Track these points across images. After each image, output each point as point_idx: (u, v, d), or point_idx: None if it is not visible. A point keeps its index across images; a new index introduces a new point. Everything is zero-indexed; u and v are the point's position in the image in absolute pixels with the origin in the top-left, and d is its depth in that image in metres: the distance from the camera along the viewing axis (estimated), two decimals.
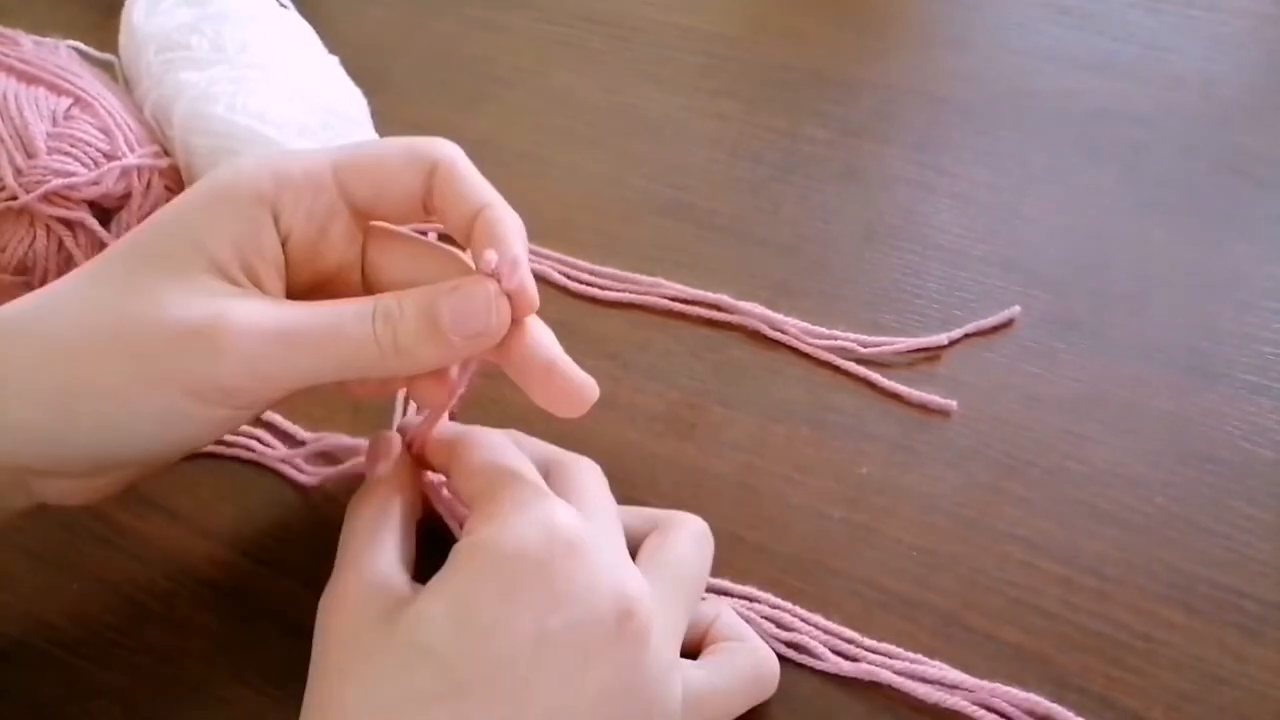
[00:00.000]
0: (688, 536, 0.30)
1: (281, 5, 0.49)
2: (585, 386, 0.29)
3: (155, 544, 0.35)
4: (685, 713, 0.27)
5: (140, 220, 0.40)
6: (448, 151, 0.29)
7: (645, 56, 0.55)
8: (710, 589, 0.33)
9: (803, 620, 0.32)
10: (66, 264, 0.40)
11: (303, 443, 0.37)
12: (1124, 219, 0.44)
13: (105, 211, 0.41)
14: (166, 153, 0.44)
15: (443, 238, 0.36)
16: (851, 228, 0.45)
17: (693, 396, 0.39)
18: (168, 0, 0.47)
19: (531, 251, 0.38)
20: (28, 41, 0.44)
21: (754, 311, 0.41)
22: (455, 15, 0.58)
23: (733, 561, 0.34)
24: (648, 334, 0.41)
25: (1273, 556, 0.33)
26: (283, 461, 0.37)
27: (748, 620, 0.32)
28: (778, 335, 0.40)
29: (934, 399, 0.38)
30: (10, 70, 0.41)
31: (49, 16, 0.52)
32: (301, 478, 0.36)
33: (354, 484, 0.32)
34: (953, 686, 0.30)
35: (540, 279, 0.42)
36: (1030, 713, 0.30)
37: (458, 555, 0.26)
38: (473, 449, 0.29)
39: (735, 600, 0.33)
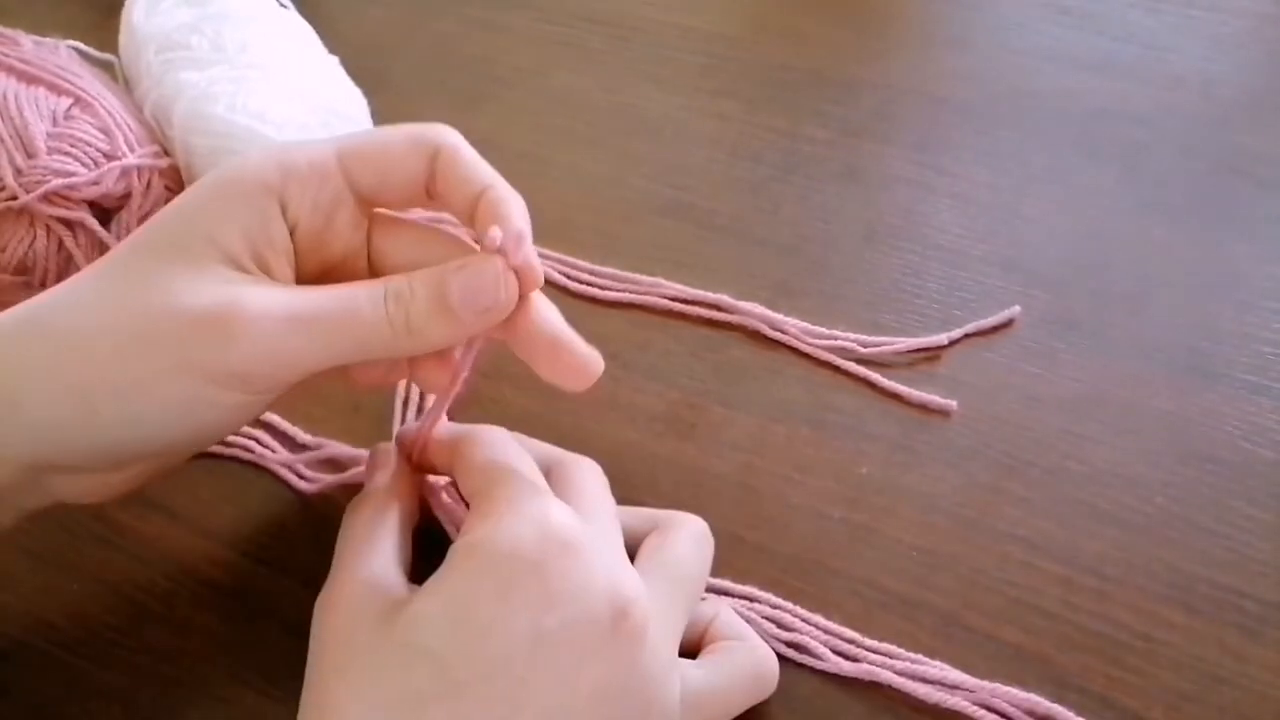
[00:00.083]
0: (687, 536, 0.30)
1: (281, 5, 0.49)
2: (590, 360, 0.30)
3: (155, 544, 0.35)
4: (684, 712, 0.27)
5: (140, 220, 0.41)
6: (450, 137, 0.30)
7: (645, 56, 0.55)
8: (710, 589, 0.33)
9: (803, 620, 0.32)
10: (66, 264, 0.40)
11: (304, 446, 0.37)
12: (1124, 219, 0.44)
13: (105, 211, 0.41)
14: (166, 153, 0.44)
15: None
16: (851, 228, 0.45)
17: (693, 396, 0.39)
18: (168, 0, 0.47)
19: None
20: (28, 41, 0.44)
21: (754, 311, 0.41)
22: (455, 15, 0.58)
23: (733, 561, 0.34)
24: (648, 334, 0.41)
25: (1273, 556, 0.33)
26: (283, 466, 0.37)
27: (748, 620, 0.32)
28: (778, 335, 0.40)
29: (934, 399, 0.38)
30: (10, 70, 0.41)
31: (49, 16, 0.52)
32: (301, 484, 0.36)
33: (353, 489, 0.32)
34: (953, 687, 0.30)
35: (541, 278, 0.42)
36: (1030, 713, 0.30)
37: (454, 555, 0.26)
38: (474, 447, 0.29)
39: (735, 600, 0.33)
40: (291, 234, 0.29)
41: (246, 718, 0.31)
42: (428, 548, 0.30)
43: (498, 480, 0.28)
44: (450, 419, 0.32)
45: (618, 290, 0.42)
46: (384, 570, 0.28)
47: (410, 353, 0.29)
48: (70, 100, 0.42)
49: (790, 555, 0.34)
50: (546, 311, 0.30)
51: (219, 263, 0.27)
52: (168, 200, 0.37)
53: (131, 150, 0.42)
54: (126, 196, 0.41)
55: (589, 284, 0.43)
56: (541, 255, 0.43)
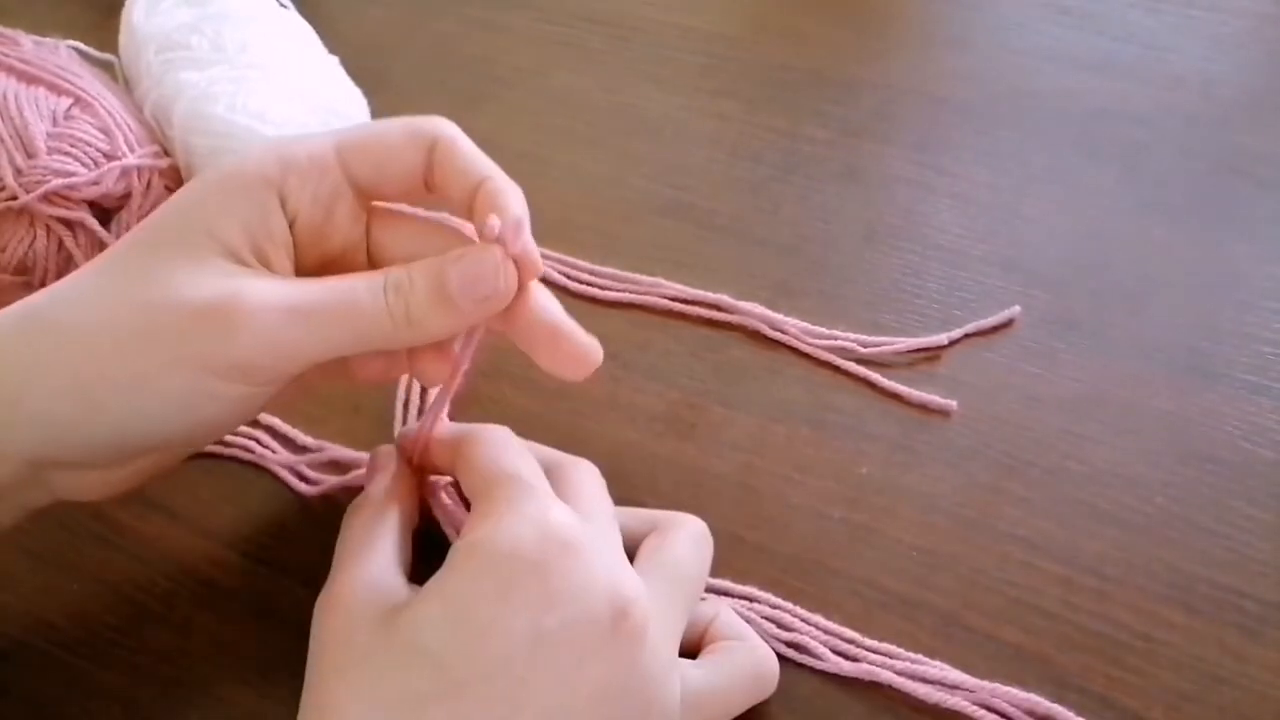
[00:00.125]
0: (686, 537, 0.30)
1: (281, 5, 0.49)
2: (590, 349, 0.30)
3: (155, 544, 0.35)
4: (684, 712, 0.27)
5: (140, 220, 0.40)
6: (447, 129, 0.30)
7: (645, 56, 0.55)
8: (710, 589, 0.33)
9: (803, 620, 0.32)
10: (66, 264, 0.40)
11: (303, 448, 0.37)
12: (1124, 219, 0.44)
13: (105, 211, 0.41)
14: (166, 153, 0.44)
15: None
16: (851, 228, 0.45)
17: (693, 396, 0.39)
18: (168, 0, 0.47)
19: None
20: (28, 41, 0.44)
21: (754, 311, 0.41)
22: (455, 15, 0.58)
23: (733, 561, 0.33)
24: (648, 334, 0.41)
25: (1273, 556, 0.33)
26: (284, 468, 0.37)
27: (748, 620, 0.31)
28: (778, 335, 0.40)
29: (934, 399, 0.38)
30: (10, 70, 0.41)
31: (49, 16, 0.52)
32: (302, 486, 0.36)
33: (354, 491, 0.32)
34: (953, 687, 0.30)
35: (541, 279, 0.42)
36: (1030, 713, 0.30)
37: (454, 556, 0.26)
38: (475, 446, 0.29)
39: (735, 600, 0.33)
40: (291, 227, 0.29)
41: (246, 718, 0.31)
42: (428, 549, 0.30)
43: (498, 480, 0.28)
44: (450, 419, 0.32)
45: (618, 290, 0.42)
46: (383, 571, 0.28)
47: (410, 343, 0.29)
48: (70, 100, 0.42)
49: (790, 555, 0.34)
50: (546, 301, 0.30)
51: (219, 256, 0.27)
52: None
53: (131, 150, 0.42)
54: (126, 196, 0.42)
55: (589, 284, 0.43)
56: (542, 255, 0.43)
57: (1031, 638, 0.32)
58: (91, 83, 0.43)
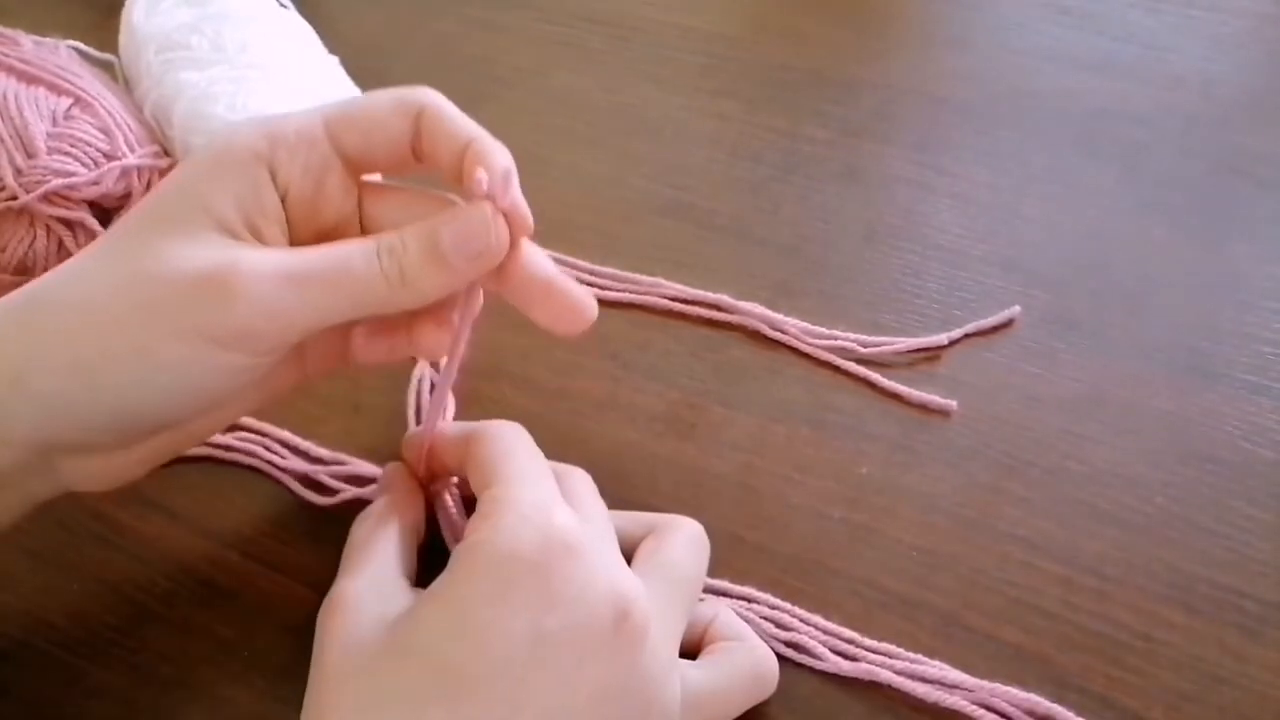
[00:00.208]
0: (684, 539, 0.30)
1: (281, 5, 0.49)
2: (585, 300, 0.30)
3: (155, 544, 0.35)
4: (684, 712, 0.27)
5: None
6: (433, 96, 0.30)
7: (645, 56, 0.55)
8: (709, 590, 0.33)
9: (802, 620, 0.32)
10: None
11: (317, 459, 0.37)
12: (1124, 219, 0.44)
13: (105, 211, 0.41)
14: (166, 153, 0.44)
15: None
16: (851, 228, 0.45)
17: (693, 396, 0.39)
18: (168, 0, 0.47)
19: None
20: (28, 41, 0.44)
21: (754, 311, 0.41)
22: (455, 15, 0.58)
23: (732, 562, 0.33)
24: (648, 334, 0.41)
25: (1273, 556, 0.33)
26: (296, 478, 0.36)
27: (747, 620, 0.31)
28: (778, 335, 0.40)
29: (934, 399, 0.38)
30: (10, 70, 0.41)
31: (49, 16, 0.52)
32: (312, 497, 0.36)
33: (366, 503, 0.32)
34: (952, 686, 0.30)
35: None
36: (1030, 713, 0.30)
37: (456, 559, 0.26)
38: (481, 444, 0.29)
39: (734, 601, 0.33)
40: (283, 201, 0.29)
41: (246, 718, 0.31)
42: (437, 557, 0.30)
43: (501, 480, 0.28)
44: (454, 417, 0.32)
45: (618, 290, 0.42)
46: (386, 576, 0.28)
47: (406, 305, 0.29)
48: (70, 100, 0.42)
49: (790, 555, 0.34)
50: (538, 257, 0.30)
51: (213, 231, 0.27)
52: None
53: (131, 150, 0.42)
54: (126, 196, 0.42)
55: (589, 284, 0.43)
56: None
57: (1031, 638, 0.32)
58: (91, 83, 0.43)
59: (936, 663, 0.31)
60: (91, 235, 0.40)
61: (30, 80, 0.41)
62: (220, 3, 0.46)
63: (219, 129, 0.42)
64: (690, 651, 0.30)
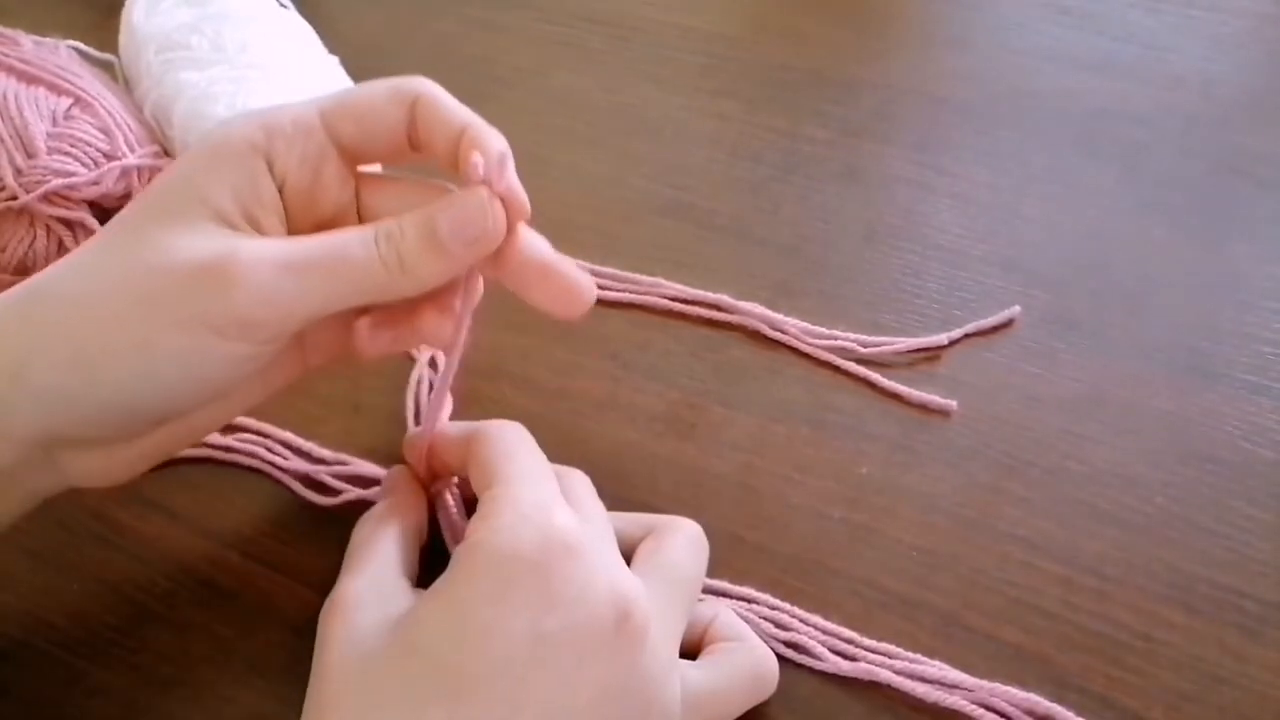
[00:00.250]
0: (683, 540, 0.30)
1: (281, 5, 0.49)
2: (584, 283, 0.30)
3: (155, 544, 0.35)
4: (684, 713, 0.27)
5: None
6: (427, 85, 0.30)
7: (645, 56, 0.55)
8: (708, 590, 0.33)
9: (801, 620, 0.32)
10: None
11: (310, 455, 0.37)
12: (1124, 219, 0.44)
13: (105, 211, 0.41)
14: (166, 153, 0.44)
15: None
16: (851, 228, 0.45)
17: (693, 396, 0.39)
18: (168, 0, 0.47)
19: None
20: (28, 41, 0.44)
21: (754, 311, 0.41)
22: (455, 15, 0.58)
23: (732, 562, 0.33)
24: (648, 334, 0.41)
25: (1273, 556, 0.33)
26: (298, 478, 0.36)
27: (747, 621, 0.31)
28: (778, 335, 0.40)
29: (934, 399, 0.38)
30: (10, 70, 0.41)
31: (49, 16, 0.52)
32: (314, 497, 0.36)
33: (369, 503, 0.32)
34: (952, 686, 0.30)
35: None
36: (1030, 712, 0.30)
37: (457, 559, 0.26)
38: (483, 444, 0.30)
39: (733, 601, 0.33)
40: (280, 192, 0.29)
41: (246, 718, 0.31)
42: (439, 559, 0.30)
43: (502, 479, 0.28)
44: (454, 417, 0.32)
45: (618, 290, 0.42)
46: (388, 577, 0.28)
47: (405, 292, 0.29)
48: (70, 100, 0.42)
49: (790, 555, 0.34)
50: (535, 240, 0.30)
51: (211, 222, 0.27)
52: None
53: (131, 150, 0.42)
54: (126, 196, 0.42)
55: None
56: None
57: (1031, 638, 0.32)
58: (91, 83, 0.43)
59: (936, 663, 0.31)
60: (91, 235, 0.40)
61: (30, 80, 0.41)
62: (220, 3, 0.46)
63: None
64: (690, 652, 0.30)
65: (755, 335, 0.41)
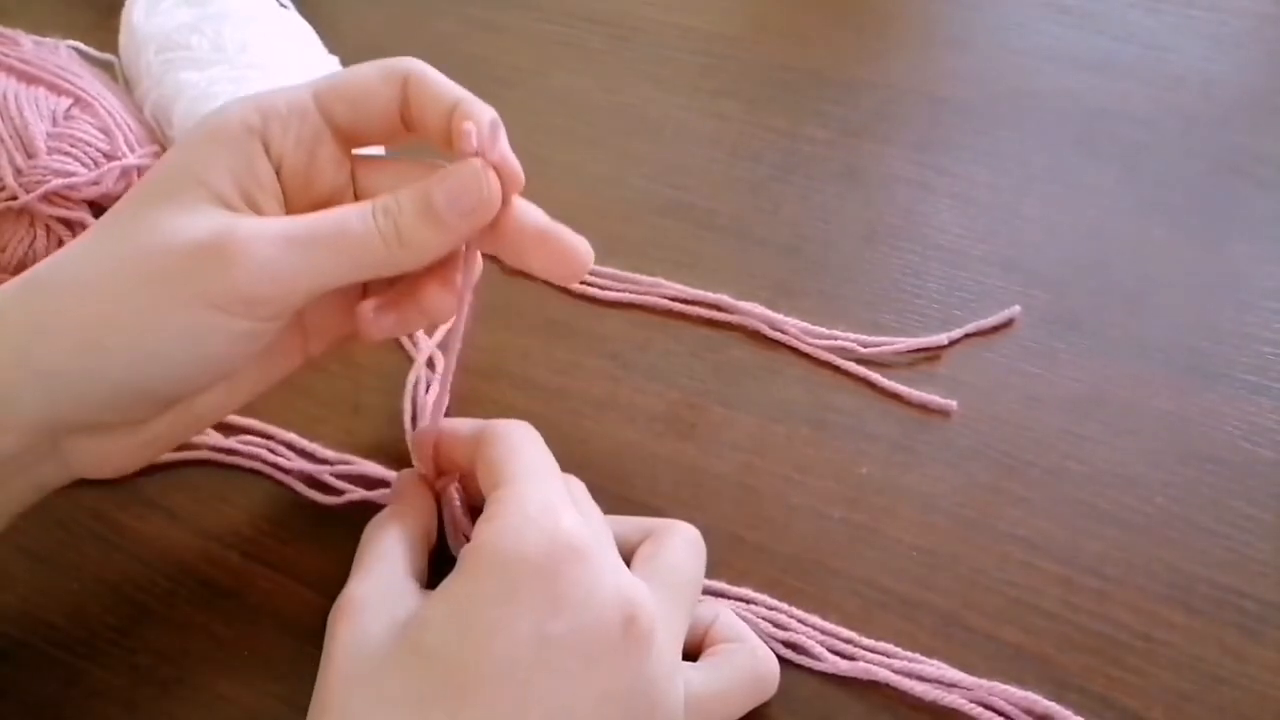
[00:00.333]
0: (681, 543, 0.30)
1: (281, 5, 0.49)
2: (581, 247, 0.31)
3: (155, 544, 0.35)
4: (687, 716, 0.27)
5: None
6: (418, 64, 0.31)
7: (645, 56, 0.55)
8: (706, 591, 0.33)
9: (799, 620, 0.32)
10: None
11: (312, 455, 0.37)
12: (1124, 219, 0.44)
13: (105, 211, 0.41)
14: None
15: None
16: (851, 228, 0.45)
17: (693, 396, 0.39)
18: (168, 0, 0.47)
19: None
20: (28, 41, 0.44)
21: (754, 311, 0.41)
22: (455, 15, 0.58)
23: (732, 562, 0.33)
24: (648, 334, 0.41)
25: (1273, 556, 0.33)
26: (301, 479, 0.36)
27: (745, 621, 0.31)
28: (778, 335, 0.40)
29: (934, 399, 0.38)
30: (10, 70, 0.41)
31: (49, 16, 0.52)
32: (317, 497, 0.36)
33: (373, 504, 0.32)
34: (951, 685, 0.30)
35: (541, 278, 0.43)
36: (1029, 711, 0.30)
37: (463, 560, 0.26)
38: (491, 445, 0.30)
39: (731, 601, 0.32)
40: (277, 174, 0.29)
41: (246, 718, 0.31)
42: (447, 561, 0.30)
43: (508, 480, 0.28)
44: (454, 395, 0.32)
45: (618, 290, 0.42)
46: (396, 578, 0.28)
47: (404, 266, 0.29)
48: (70, 100, 0.42)
49: (790, 555, 0.34)
50: (530, 208, 0.31)
51: (210, 203, 0.28)
52: None
53: (131, 150, 0.42)
54: None
55: (589, 284, 0.43)
56: None
57: (1031, 638, 0.32)
58: (91, 83, 0.43)
59: (935, 662, 0.31)
60: None
61: (30, 80, 0.41)
62: (220, 3, 0.46)
63: None
64: (690, 653, 0.30)
65: (755, 335, 0.41)
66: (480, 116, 0.29)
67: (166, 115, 0.44)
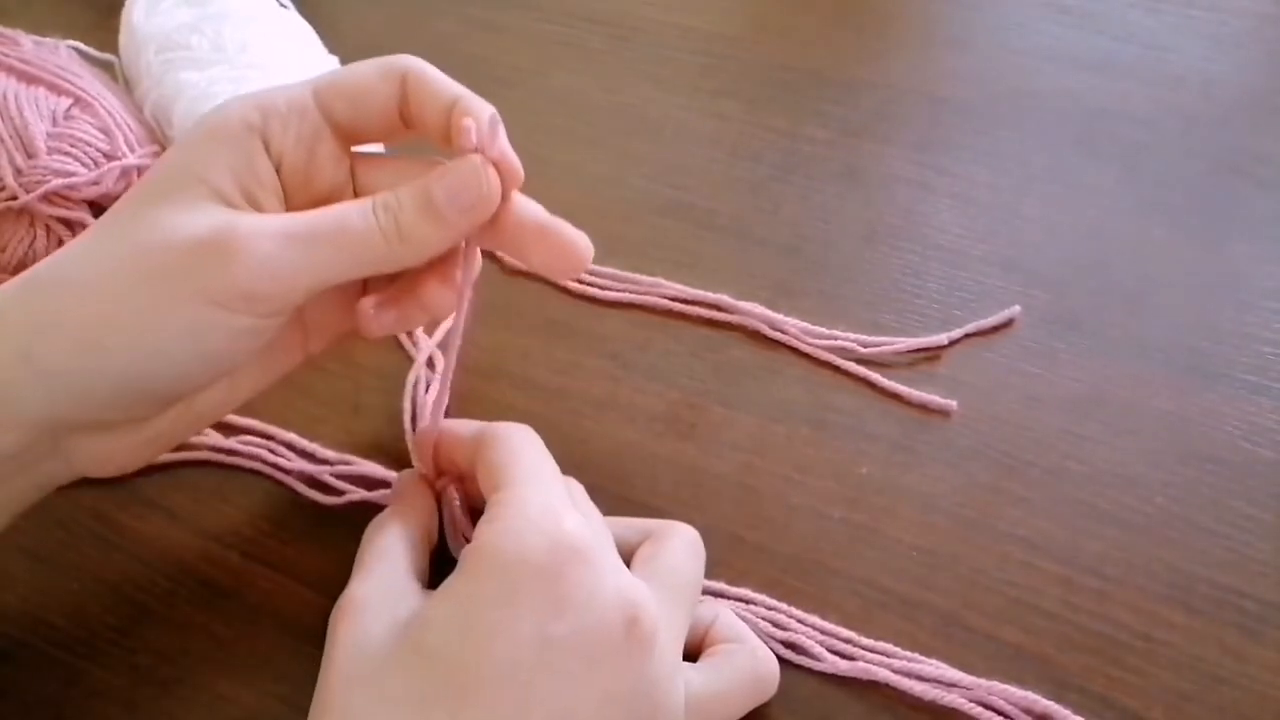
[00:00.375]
0: (681, 544, 0.30)
1: (281, 5, 0.49)
2: (581, 242, 0.31)
3: (155, 544, 0.35)
4: (687, 716, 0.27)
5: None
6: (416, 61, 0.31)
7: (645, 56, 0.55)
8: (706, 591, 0.33)
9: (799, 620, 0.32)
10: None
11: (313, 455, 0.37)
12: (1124, 219, 0.44)
13: (105, 211, 0.41)
14: None
15: None
16: (851, 228, 0.45)
17: (693, 396, 0.39)
18: (168, 0, 0.47)
19: None
20: (28, 41, 0.44)
21: (754, 311, 0.41)
22: (455, 15, 0.58)
23: (732, 562, 0.33)
24: (648, 334, 0.41)
25: (1273, 556, 0.33)
26: (301, 480, 0.36)
27: (745, 621, 0.31)
28: (778, 335, 0.40)
29: (934, 399, 0.38)
30: (10, 70, 0.41)
31: (49, 16, 0.52)
32: (318, 497, 0.36)
33: (373, 505, 0.32)
34: (950, 684, 0.30)
35: (540, 278, 0.43)
36: (1028, 710, 0.30)
37: (464, 561, 0.26)
38: (491, 446, 0.30)
39: (730, 601, 0.32)
40: (277, 172, 0.29)
41: (246, 718, 0.31)
42: (449, 562, 0.30)
43: (509, 483, 0.28)
44: (452, 416, 0.32)
45: (618, 290, 0.42)
46: (397, 579, 0.28)
47: (405, 262, 0.29)
48: (70, 100, 0.42)
49: (790, 555, 0.34)
50: (530, 204, 0.31)
51: (210, 200, 0.28)
52: None
53: (131, 150, 0.42)
54: None
55: (589, 284, 0.43)
56: None
57: (1031, 638, 0.32)
58: (91, 83, 0.43)
59: (934, 662, 0.31)
60: None
61: (30, 80, 0.41)
62: (220, 3, 0.46)
63: None
64: (690, 654, 0.30)
65: (755, 335, 0.41)
66: (479, 113, 0.29)
67: (166, 115, 0.44)
